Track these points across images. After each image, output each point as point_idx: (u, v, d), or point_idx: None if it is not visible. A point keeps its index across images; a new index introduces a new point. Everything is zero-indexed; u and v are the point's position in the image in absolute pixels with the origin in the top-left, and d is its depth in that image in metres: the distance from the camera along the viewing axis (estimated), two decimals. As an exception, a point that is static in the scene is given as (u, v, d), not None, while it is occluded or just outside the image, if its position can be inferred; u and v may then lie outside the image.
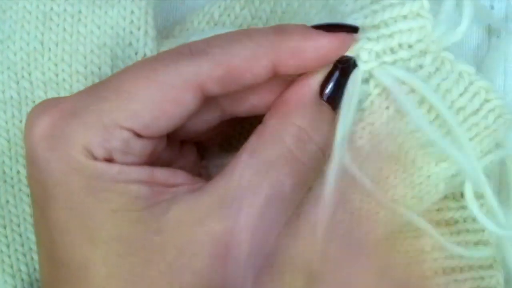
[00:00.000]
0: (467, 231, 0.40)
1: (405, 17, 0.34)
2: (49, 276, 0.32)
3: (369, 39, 0.34)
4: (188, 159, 0.36)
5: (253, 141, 0.32)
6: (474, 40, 0.42)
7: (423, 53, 0.34)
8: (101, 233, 0.30)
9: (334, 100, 0.33)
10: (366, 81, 0.34)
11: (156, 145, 0.32)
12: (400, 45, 0.34)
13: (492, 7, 0.42)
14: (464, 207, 0.40)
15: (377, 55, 0.34)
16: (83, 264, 0.30)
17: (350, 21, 0.34)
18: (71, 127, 0.30)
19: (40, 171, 0.31)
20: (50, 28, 0.39)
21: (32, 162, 0.31)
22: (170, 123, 0.31)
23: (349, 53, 0.33)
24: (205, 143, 0.38)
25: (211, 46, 0.31)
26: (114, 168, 0.30)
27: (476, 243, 0.40)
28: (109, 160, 0.30)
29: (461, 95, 0.35)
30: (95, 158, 0.30)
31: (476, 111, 0.35)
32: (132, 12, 0.40)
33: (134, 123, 0.30)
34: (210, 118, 0.34)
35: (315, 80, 0.33)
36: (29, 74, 0.39)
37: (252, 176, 0.30)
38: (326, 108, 0.33)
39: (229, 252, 0.30)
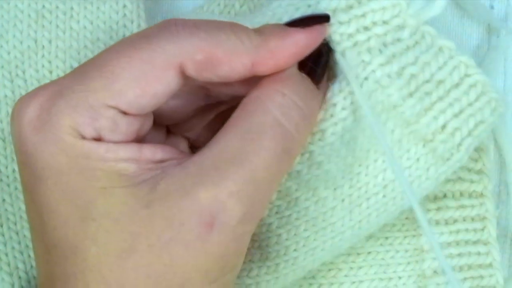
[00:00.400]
0: (466, 230, 0.39)
1: None
2: (42, 259, 0.32)
3: (340, 22, 0.34)
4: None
5: (238, 111, 0.32)
6: (474, 39, 0.41)
7: (401, 27, 0.34)
8: (91, 211, 0.30)
9: (313, 77, 0.33)
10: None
11: (142, 123, 0.32)
12: (374, 23, 0.34)
13: (492, 7, 0.41)
14: (463, 206, 0.39)
15: (350, 36, 0.34)
16: (74, 244, 0.30)
17: (326, 1, 0.34)
18: (58, 108, 0.30)
19: (28, 155, 0.31)
20: (43, 26, 0.39)
21: (20, 147, 0.31)
22: (154, 100, 0.31)
23: None
24: (198, 141, 0.37)
25: (198, 28, 0.31)
26: (101, 147, 0.30)
27: (475, 242, 0.39)
28: (98, 139, 0.30)
29: (440, 68, 0.35)
30: (83, 138, 0.30)
31: (457, 85, 0.35)
32: (125, 6, 0.40)
33: (119, 102, 0.30)
34: (195, 99, 0.34)
35: (290, 57, 0.33)
36: (23, 72, 0.39)
37: (236, 143, 0.30)
38: (307, 79, 0.33)
39: (215, 220, 0.29)
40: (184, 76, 0.31)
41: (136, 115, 0.31)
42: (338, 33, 0.34)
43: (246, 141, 0.30)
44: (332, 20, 0.34)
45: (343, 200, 0.35)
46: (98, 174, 0.30)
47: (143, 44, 0.30)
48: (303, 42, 0.32)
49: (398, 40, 0.34)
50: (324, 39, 0.34)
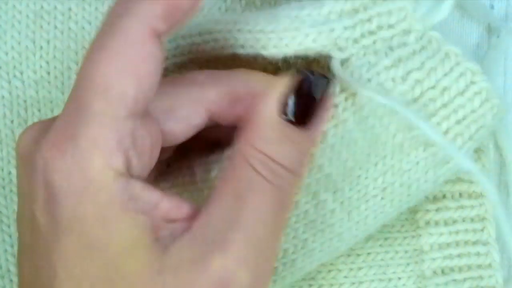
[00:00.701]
0: (466, 231, 0.39)
1: None
2: None
3: (345, 27, 0.33)
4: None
5: (226, 168, 0.31)
6: (474, 39, 0.41)
7: (407, 31, 0.34)
8: (110, 271, 0.29)
9: (301, 116, 0.32)
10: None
11: (152, 137, 0.31)
12: (379, 27, 0.33)
13: (492, 7, 0.41)
14: (463, 207, 0.39)
15: (355, 41, 0.33)
16: None
17: (330, 3, 0.33)
18: (78, 148, 0.29)
19: (52, 202, 0.29)
20: (41, 26, 0.39)
21: (42, 193, 0.29)
22: (153, 77, 0.30)
23: (326, 42, 0.33)
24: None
25: None
26: (126, 194, 0.29)
27: (475, 243, 0.39)
28: (129, 169, 0.29)
29: (446, 74, 0.34)
30: (114, 170, 0.29)
31: (462, 93, 0.34)
32: None
33: (128, 103, 0.29)
34: (199, 122, 0.33)
35: (272, 97, 0.31)
36: (21, 73, 0.39)
37: (231, 205, 0.30)
38: (288, 127, 0.32)
39: (230, 284, 0.29)
40: (161, 38, 0.30)
41: (144, 115, 0.30)
42: (344, 38, 0.33)
43: (239, 202, 0.30)
44: (337, 25, 0.33)
45: (342, 203, 0.35)
46: (120, 228, 0.29)
47: (106, 37, 0.30)
48: None
49: (404, 44, 0.34)
50: (311, 72, 0.33)
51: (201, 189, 0.35)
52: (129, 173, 0.29)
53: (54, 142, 0.29)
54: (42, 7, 0.39)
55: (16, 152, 0.31)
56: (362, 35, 0.33)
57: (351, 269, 0.40)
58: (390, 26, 0.34)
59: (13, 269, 0.38)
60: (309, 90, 0.32)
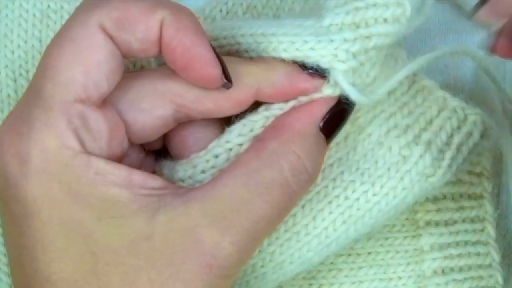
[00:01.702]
0: (466, 231, 0.40)
1: (385, 20, 0.33)
2: None
3: (345, 40, 0.33)
4: (149, 170, 0.35)
5: (250, 157, 0.32)
6: (474, 39, 0.41)
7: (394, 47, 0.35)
8: (89, 244, 0.30)
9: (328, 133, 0.33)
10: None
11: (113, 125, 0.31)
12: (373, 47, 0.33)
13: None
14: (463, 208, 0.40)
15: (354, 56, 0.33)
16: (72, 279, 0.30)
17: (331, 16, 0.33)
18: (31, 132, 0.30)
19: (14, 189, 0.30)
20: (48, 26, 0.39)
21: (3, 184, 0.30)
22: (102, 72, 0.31)
23: (324, 52, 0.33)
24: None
25: None
26: (90, 169, 0.30)
27: (475, 243, 0.39)
28: (84, 151, 0.30)
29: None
30: (69, 151, 0.30)
31: (458, 129, 0.36)
32: None
33: (75, 90, 0.30)
34: (164, 113, 0.33)
35: (319, 111, 0.33)
36: (27, 72, 0.39)
37: (246, 195, 0.31)
38: (322, 140, 0.33)
39: (215, 263, 0.30)
40: (113, 37, 0.31)
41: (98, 102, 0.31)
42: (343, 50, 0.33)
43: (255, 193, 0.31)
44: (337, 36, 0.33)
45: (303, 206, 0.35)
46: (92, 201, 0.30)
47: (63, 28, 0.31)
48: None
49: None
50: (347, 100, 0.34)
51: None
52: (86, 151, 0.30)
53: (11, 126, 0.31)
54: (48, 6, 0.39)
55: None
56: (359, 52, 0.33)
57: (351, 269, 0.40)
58: (384, 47, 0.34)
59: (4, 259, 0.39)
60: (343, 111, 0.34)
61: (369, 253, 0.40)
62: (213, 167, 0.33)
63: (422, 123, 0.36)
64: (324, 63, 0.33)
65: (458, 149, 0.36)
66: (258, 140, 0.33)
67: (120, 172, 0.30)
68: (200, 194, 0.31)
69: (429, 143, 0.36)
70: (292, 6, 0.41)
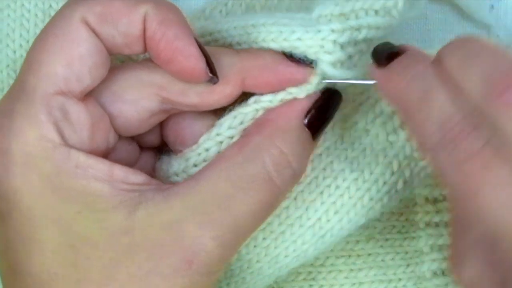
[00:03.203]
0: (466, 232, 0.39)
1: (376, 12, 0.33)
2: (13, 286, 0.31)
3: (333, 30, 0.33)
4: (146, 166, 0.36)
5: (234, 152, 0.32)
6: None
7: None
8: (69, 237, 0.30)
9: (314, 128, 0.33)
10: None
11: (93, 115, 0.31)
12: (364, 40, 0.33)
13: (492, 7, 0.41)
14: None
15: (342, 47, 0.33)
16: (52, 271, 0.30)
17: (320, 8, 0.33)
18: (10, 125, 0.30)
19: None
20: (49, 26, 0.39)
21: None
22: (85, 65, 0.31)
23: (311, 42, 0.33)
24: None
25: None
26: (71, 162, 0.30)
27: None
28: (64, 143, 0.30)
29: None
30: (50, 141, 0.30)
31: None
32: None
33: (55, 82, 0.30)
34: (150, 105, 0.33)
35: (302, 106, 0.33)
36: None
37: (228, 189, 0.31)
38: (307, 135, 0.33)
39: (195, 259, 0.30)
40: (96, 31, 0.31)
41: (81, 96, 0.31)
42: (330, 41, 0.33)
43: (236, 188, 0.31)
44: (324, 27, 0.33)
45: (295, 198, 0.35)
46: (72, 194, 0.30)
47: (48, 24, 0.31)
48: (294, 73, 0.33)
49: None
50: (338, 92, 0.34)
51: None
52: (67, 144, 0.30)
53: None
54: (50, 6, 0.39)
55: None
56: (348, 43, 0.33)
57: (351, 270, 0.40)
58: (371, 40, 0.34)
59: None
60: (328, 106, 0.34)
61: (369, 254, 0.40)
62: (204, 160, 0.33)
63: None
64: (311, 54, 0.33)
65: None
66: (242, 135, 0.33)
67: (101, 166, 0.30)
68: (182, 189, 0.31)
69: None
70: (289, 7, 0.41)
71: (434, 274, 0.39)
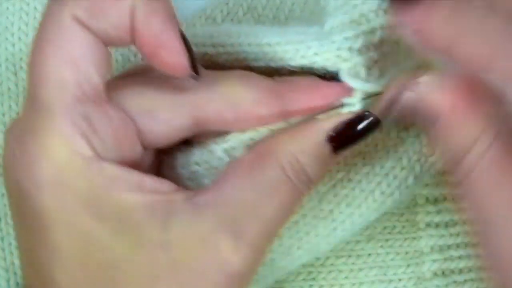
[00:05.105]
0: (467, 233, 0.40)
1: (386, 11, 0.32)
2: None
3: (346, 38, 0.32)
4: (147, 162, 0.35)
5: (251, 157, 0.32)
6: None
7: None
8: (106, 255, 0.29)
9: (337, 143, 0.33)
10: None
11: (115, 120, 0.31)
12: (383, 41, 0.33)
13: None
14: (463, 209, 0.40)
15: (360, 52, 0.32)
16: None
17: (331, 20, 0.33)
18: (36, 141, 0.29)
19: (28, 200, 0.29)
20: (49, 19, 0.39)
21: (18, 194, 0.30)
22: (93, 64, 0.30)
23: (328, 55, 0.32)
24: None
25: None
26: (103, 176, 0.29)
27: (476, 245, 0.39)
28: (94, 151, 0.29)
29: None
30: (81, 155, 0.29)
31: None
32: None
33: (70, 91, 0.29)
34: (183, 124, 0.33)
35: (327, 125, 0.33)
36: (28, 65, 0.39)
37: (254, 197, 0.31)
38: (326, 148, 0.32)
39: (234, 269, 0.30)
40: (88, 27, 0.30)
41: (95, 98, 0.30)
42: (345, 49, 0.32)
43: (262, 195, 0.31)
44: (338, 37, 0.32)
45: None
46: (106, 210, 0.29)
47: (40, 30, 0.30)
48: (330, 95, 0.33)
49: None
50: (370, 115, 0.33)
51: None
52: (97, 156, 0.30)
53: (19, 137, 0.30)
54: (50, -2, 0.39)
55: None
56: (367, 48, 0.33)
57: (351, 270, 0.40)
58: (395, 42, 0.33)
59: (17, 262, 0.38)
60: (357, 128, 0.33)
61: (369, 254, 0.40)
62: (229, 155, 0.33)
63: None
64: (330, 66, 0.32)
65: None
66: (259, 141, 0.33)
67: (132, 177, 0.30)
68: (210, 199, 0.31)
69: None
70: (292, 8, 0.41)
71: (435, 274, 0.39)
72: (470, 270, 0.39)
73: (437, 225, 0.40)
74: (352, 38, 0.32)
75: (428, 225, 0.40)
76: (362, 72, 0.32)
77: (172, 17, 0.31)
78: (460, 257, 0.39)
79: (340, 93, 0.32)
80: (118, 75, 0.34)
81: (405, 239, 0.40)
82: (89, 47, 0.30)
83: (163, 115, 0.32)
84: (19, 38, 0.39)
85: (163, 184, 0.31)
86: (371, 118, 0.32)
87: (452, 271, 0.39)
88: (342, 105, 0.33)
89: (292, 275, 0.39)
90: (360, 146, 0.35)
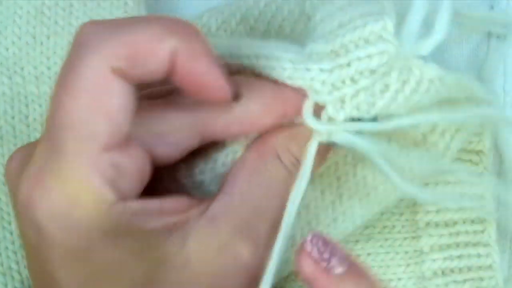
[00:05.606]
0: (466, 232, 0.39)
1: (366, 40, 0.31)
2: None
3: (321, 70, 0.32)
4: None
5: (253, 156, 0.33)
6: (474, 40, 0.41)
7: (388, 73, 0.32)
8: (124, 278, 0.29)
9: None
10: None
11: (138, 160, 0.31)
12: (360, 73, 0.32)
13: (491, 7, 0.41)
14: (463, 209, 0.39)
15: (334, 87, 0.32)
16: None
17: (311, 45, 0.33)
18: (63, 185, 0.29)
19: (51, 246, 0.29)
20: (42, 22, 0.39)
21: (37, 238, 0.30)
22: (122, 113, 0.30)
23: (301, 82, 0.32)
24: None
25: (117, 26, 0.30)
26: (127, 214, 0.29)
27: (475, 245, 0.39)
28: (119, 195, 0.30)
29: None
30: (107, 201, 0.29)
31: None
32: (126, 3, 0.39)
33: (102, 142, 0.29)
34: (192, 143, 0.33)
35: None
36: (22, 69, 0.39)
37: (260, 197, 0.32)
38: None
39: (255, 271, 0.30)
40: (127, 76, 0.30)
41: (123, 145, 0.30)
42: (319, 81, 0.32)
43: (267, 194, 0.32)
44: (313, 65, 0.32)
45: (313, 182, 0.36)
46: (130, 244, 0.29)
47: (72, 75, 0.29)
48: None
49: (386, 87, 0.32)
50: None
51: None
52: (122, 197, 0.30)
53: (37, 180, 0.30)
54: (43, 2, 0.38)
55: (5, 181, 0.32)
56: (342, 81, 0.32)
57: (351, 270, 0.40)
58: (372, 72, 0.32)
59: (14, 266, 0.38)
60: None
61: (368, 254, 0.40)
62: (233, 160, 0.34)
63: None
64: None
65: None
66: (257, 138, 0.33)
67: (153, 206, 0.30)
68: (221, 207, 0.31)
69: None
70: (282, 24, 0.40)
71: (434, 274, 0.39)
72: (470, 269, 0.39)
73: (437, 225, 0.39)
74: (327, 71, 0.32)
75: (427, 224, 0.39)
76: (329, 109, 0.32)
77: (211, 54, 0.30)
78: (460, 257, 0.39)
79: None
80: None
81: (405, 238, 0.40)
82: (125, 97, 0.29)
83: (172, 137, 0.32)
84: (13, 42, 0.38)
85: (179, 203, 0.31)
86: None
87: (452, 271, 0.39)
88: None
89: (292, 275, 0.39)
90: None
